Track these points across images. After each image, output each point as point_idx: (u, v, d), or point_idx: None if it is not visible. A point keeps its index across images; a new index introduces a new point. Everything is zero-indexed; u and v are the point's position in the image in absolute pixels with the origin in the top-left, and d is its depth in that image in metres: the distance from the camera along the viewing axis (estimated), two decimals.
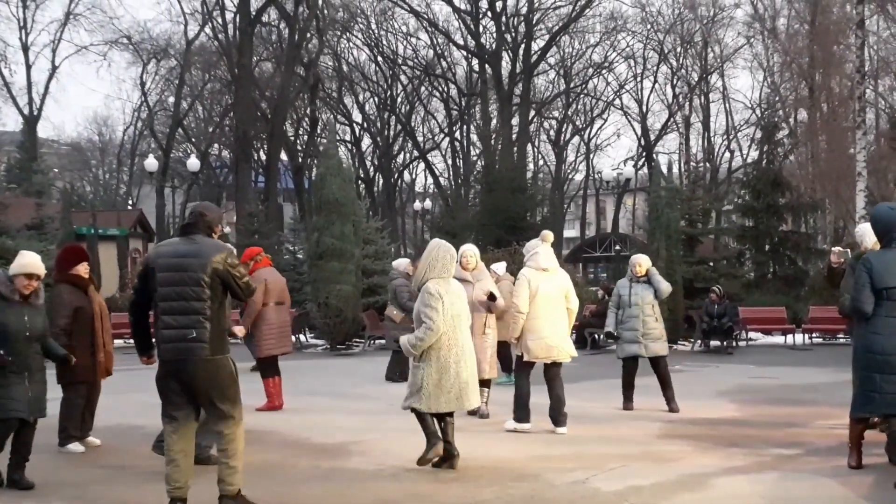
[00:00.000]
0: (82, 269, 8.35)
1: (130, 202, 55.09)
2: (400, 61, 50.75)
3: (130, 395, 12.12)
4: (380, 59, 50.23)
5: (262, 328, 10.62)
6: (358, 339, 20.63)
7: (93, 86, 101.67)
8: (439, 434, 7.20)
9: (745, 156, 48.79)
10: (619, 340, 10.47)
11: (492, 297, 9.46)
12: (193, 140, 50.79)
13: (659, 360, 10.37)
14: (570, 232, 65.02)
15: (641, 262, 10.40)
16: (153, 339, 5.93)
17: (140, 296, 5.94)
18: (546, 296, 8.71)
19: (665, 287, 10.36)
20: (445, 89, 51.91)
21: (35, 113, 45.59)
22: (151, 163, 34.65)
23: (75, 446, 8.22)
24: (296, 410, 10.45)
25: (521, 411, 8.75)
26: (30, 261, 7.06)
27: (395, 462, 7.48)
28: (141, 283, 5.92)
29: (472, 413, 9.69)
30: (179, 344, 5.65)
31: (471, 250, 9.85)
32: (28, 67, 45.04)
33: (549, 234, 9.20)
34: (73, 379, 8.12)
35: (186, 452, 5.80)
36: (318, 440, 8.63)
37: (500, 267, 12.56)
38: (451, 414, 7.27)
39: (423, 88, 52.21)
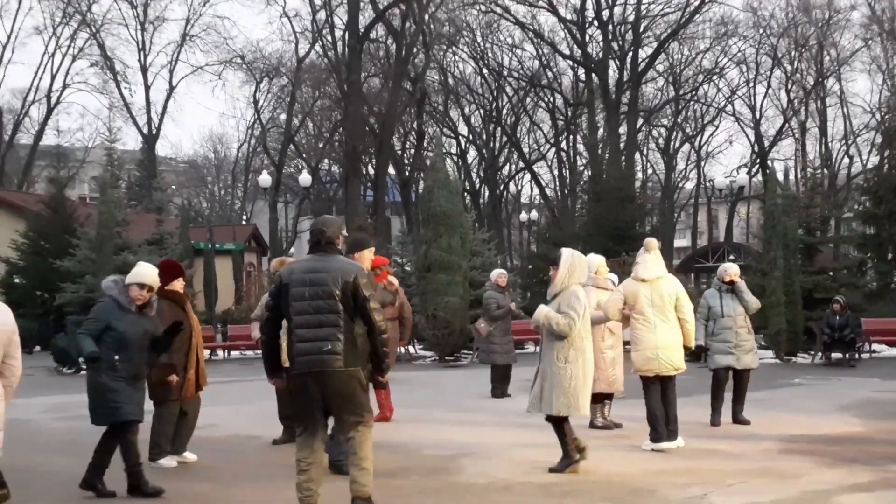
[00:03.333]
0: (178, 285, 8.31)
1: (245, 217, 56.63)
2: (505, 73, 50.73)
3: (244, 407, 12.42)
4: (485, 71, 50.31)
5: None
6: (466, 351, 20.66)
7: (208, 105, 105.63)
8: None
9: (864, 161, 46.97)
10: (710, 352, 10.19)
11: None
12: (304, 156, 51.80)
13: (745, 373, 10.14)
14: (681, 241, 63.73)
15: (736, 270, 10.20)
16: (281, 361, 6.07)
17: (274, 312, 6.09)
18: (647, 306, 8.55)
19: (754, 304, 10.13)
20: (551, 100, 51.63)
21: (154, 132, 47.38)
22: (265, 179, 35.53)
23: (168, 461, 8.09)
24: (406, 422, 10.48)
25: (656, 431, 8.47)
26: (144, 271, 7.24)
27: (506, 475, 7.44)
28: (275, 300, 6.08)
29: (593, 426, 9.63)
30: (314, 356, 5.80)
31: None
32: (147, 88, 46.86)
33: (650, 242, 8.99)
34: (168, 396, 8.03)
35: (317, 461, 5.97)
36: (429, 452, 8.65)
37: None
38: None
39: (528, 99, 52.02)
